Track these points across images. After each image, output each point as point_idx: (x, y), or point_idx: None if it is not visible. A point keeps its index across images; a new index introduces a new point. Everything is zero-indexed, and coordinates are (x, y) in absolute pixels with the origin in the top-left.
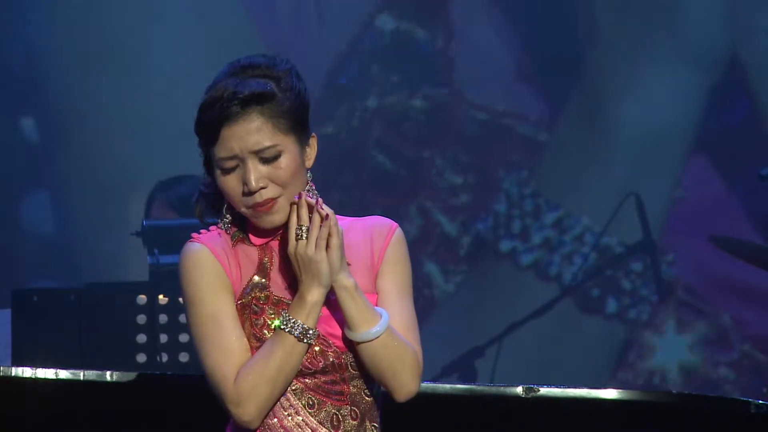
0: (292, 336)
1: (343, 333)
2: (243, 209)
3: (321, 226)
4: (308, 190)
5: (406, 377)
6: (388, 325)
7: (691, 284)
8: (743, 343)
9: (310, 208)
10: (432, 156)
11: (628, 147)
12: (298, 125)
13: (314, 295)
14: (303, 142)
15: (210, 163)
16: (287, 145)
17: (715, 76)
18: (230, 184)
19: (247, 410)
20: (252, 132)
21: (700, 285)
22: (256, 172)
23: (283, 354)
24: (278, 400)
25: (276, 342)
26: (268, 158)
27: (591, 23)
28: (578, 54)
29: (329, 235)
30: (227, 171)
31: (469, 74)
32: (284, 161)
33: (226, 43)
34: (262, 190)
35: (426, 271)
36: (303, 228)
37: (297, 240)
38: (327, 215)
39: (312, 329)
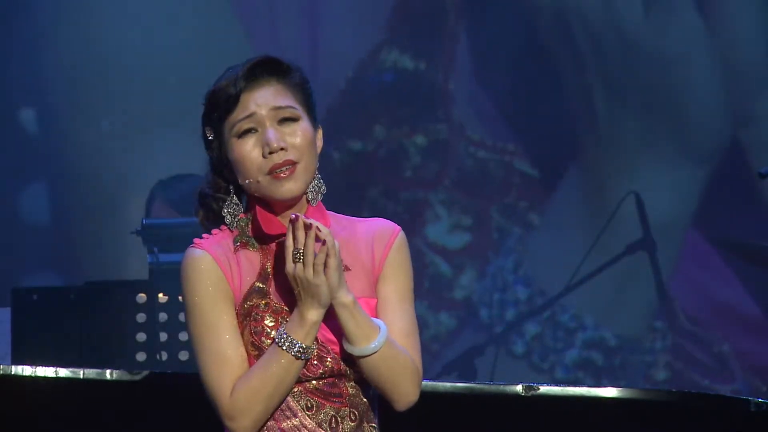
0: (290, 354)
1: (341, 340)
2: (260, 177)
3: (319, 248)
4: (316, 180)
5: (405, 388)
6: (387, 337)
7: (693, 314)
8: (745, 372)
9: (307, 229)
10: (427, 195)
11: (625, 238)
12: (310, 106)
13: (313, 315)
14: (314, 125)
15: (221, 145)
16: (303, 115)
17: (713, 166)
18: (247, 148)
19: (241, 424)
20: (270, 93)
21: (701, 314)
22: (275, 132)
23: (281, 371)
24: (274, 412)
25: (273, 359)
26: (286, 119)
27: (589, 112)
28: (576, 141)
29: (327, 256)
30: (244, 134)
31: (468, 111)
32: (301, 127)
33: (227, 47)
34: (282, 151)
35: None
36: (300, 251)
37: (294, 262)
38: (324, 241)
39: (310, 347)
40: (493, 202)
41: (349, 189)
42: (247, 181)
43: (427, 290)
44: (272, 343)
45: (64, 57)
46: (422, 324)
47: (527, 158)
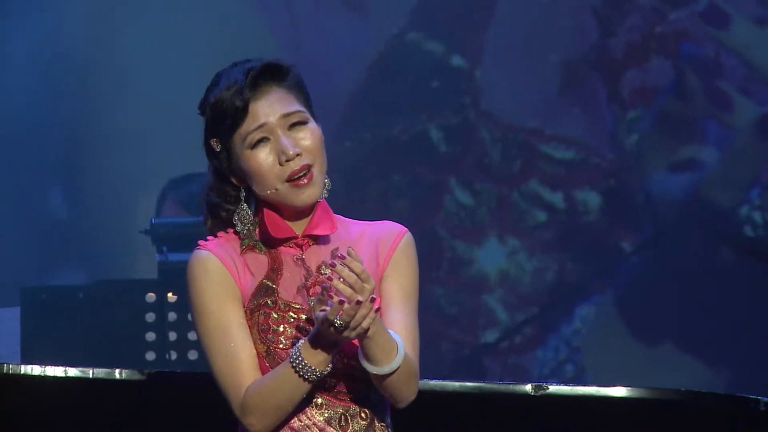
0: (304, 378)
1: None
2: (278, 186)
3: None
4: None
5: (408, 392)
6: (404, 356)
7: None
8: None
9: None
10: (448, 179)
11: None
12: (310, 104)
13: (336, 346)
14: (317, 123)
15: (230, 156)
16: (309, 117)
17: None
18: (262, 157)
19: (252, 422)
20: (276, 100)
21: None
22: (288, 139)
23: (293, 389)
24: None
25: (286, 378)
26: (296, 123)
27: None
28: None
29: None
30: (257, 144)
31: (493, 97)
32: (310, 129)
33: (242, 44)
34: (298, 157)
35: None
36: (343, 324)
37: (336, 329)
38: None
39: (326, 370)
40: (515, 186)
41: (372, 174)
42: (267, 192)
43: (447, 274)
44: (287, 362)
45: (71, 53)
46: (440, 307)
47: (552, 143)
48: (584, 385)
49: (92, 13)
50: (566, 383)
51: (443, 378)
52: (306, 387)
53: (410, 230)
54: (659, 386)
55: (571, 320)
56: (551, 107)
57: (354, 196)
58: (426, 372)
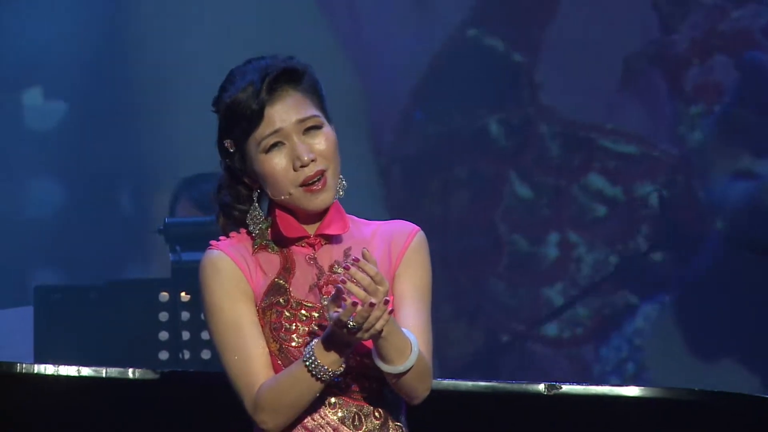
0: (317, 379)
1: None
2: (292, 190)
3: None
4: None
5: (422, 389)
6: (418, 354)
7: None
8: None
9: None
10: (507, 172)
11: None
12: (325, 106)
13: (350, 347)
14: (331, 124)
15: (243, 158)
16: (323, 120)
17: None
18: (276, 161)
19: (264, 420)
20: (292, 105)
21: None
22: (303, 144)
23: (308, 390)
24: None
25: (299, 377)
26: (311, 128)
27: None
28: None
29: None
30: (271, 149)
31: (552, 92)
32: (325, 133)
33: (300, 40)
34: (312, 163)
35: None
36: (356, 325)
37: (349, 330)
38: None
39: (339, 370)
40: (575, 180)
41: (433, 167)
42: (282, 197)
43: (506, 267)
44: (300, 362)
45: (89, 54)
46: (500, 300)
47: (612, 137)
48: (645, 385)
49: (114, 6)
50: (627, 382)
51: (457, 377)
52: (319, 386)
53: (470, 223)
54: (715, 387)
55: (633, 318)
56: (611, 102)
57: (414, 190)
58: (488, 364)
